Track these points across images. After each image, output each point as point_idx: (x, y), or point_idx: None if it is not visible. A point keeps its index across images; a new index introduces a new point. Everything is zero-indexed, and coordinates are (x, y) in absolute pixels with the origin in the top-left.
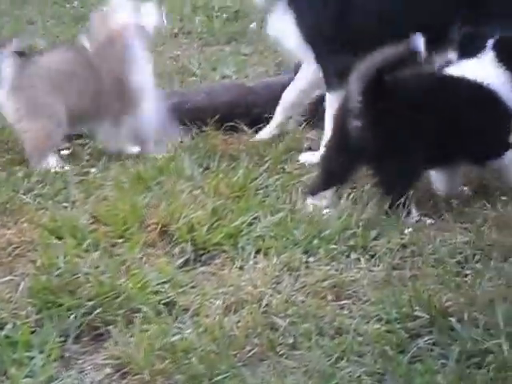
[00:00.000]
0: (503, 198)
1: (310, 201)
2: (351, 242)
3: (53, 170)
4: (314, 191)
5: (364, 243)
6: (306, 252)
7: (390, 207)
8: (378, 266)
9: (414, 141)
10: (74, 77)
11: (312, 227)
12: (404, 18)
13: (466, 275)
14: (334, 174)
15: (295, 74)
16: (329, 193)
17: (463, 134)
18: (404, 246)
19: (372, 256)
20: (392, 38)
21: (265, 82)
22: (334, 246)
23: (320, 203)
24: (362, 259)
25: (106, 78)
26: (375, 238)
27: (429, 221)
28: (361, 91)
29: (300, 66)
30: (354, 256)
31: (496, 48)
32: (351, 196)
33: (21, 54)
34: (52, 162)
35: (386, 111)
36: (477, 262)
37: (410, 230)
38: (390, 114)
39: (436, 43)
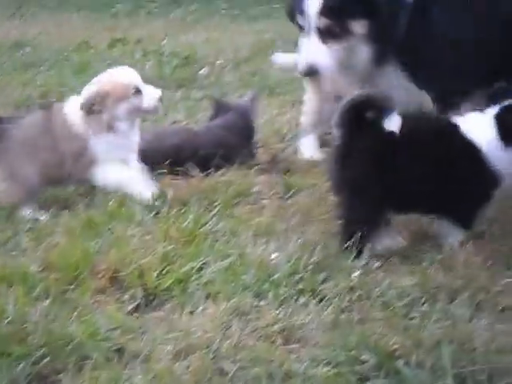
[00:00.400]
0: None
1: None
2: (300, 286)
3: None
4: None
5: (312, 287)
6: (255, 296)
7: (340, 243)
8: (327, 309)
9: (377, 181)
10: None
11: (261, 271)
12: None
13: (413, 318)
14: None
15: (216, 116)
16: None
17: (433, 184)
18: (352, 289)
19: (320, 299)
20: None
21: (206, 126)
22: (283, 290)
23: None
24: (310, 303)
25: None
26: (323, 282)
27: (376, 263)
28: (335, 124)
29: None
30: (302, 300)
31: (501, 109)
32: (300, 240)
33: None
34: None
35: (354, 146)
36: (423, 304)
37: (358, 273)
38: (358, 150)
39: None
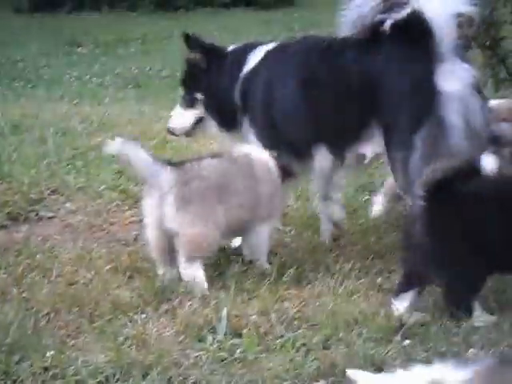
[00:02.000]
0: (142, 315)
1: (394, 304)
2: None
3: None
4: (396, 293)
5: (6, 368)
6: None
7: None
8: None
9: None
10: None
11: None
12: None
13: None
14: (412, 275)
15: None
16: (411, 294)
17: None
18: (46, 369)
19: (14, 381)
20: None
21: None
22: None
23: (404, 305)
24: None
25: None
26: (18, 362)
27: (72, 341)
28: (422, 196)
29: None
30: None
31: None
32: None
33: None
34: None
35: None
36: (117, 381)
37: (53, 352)
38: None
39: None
